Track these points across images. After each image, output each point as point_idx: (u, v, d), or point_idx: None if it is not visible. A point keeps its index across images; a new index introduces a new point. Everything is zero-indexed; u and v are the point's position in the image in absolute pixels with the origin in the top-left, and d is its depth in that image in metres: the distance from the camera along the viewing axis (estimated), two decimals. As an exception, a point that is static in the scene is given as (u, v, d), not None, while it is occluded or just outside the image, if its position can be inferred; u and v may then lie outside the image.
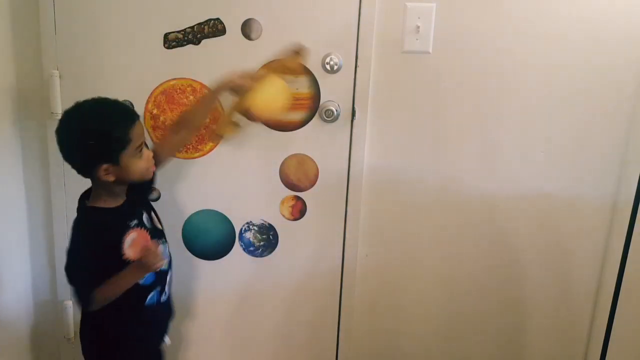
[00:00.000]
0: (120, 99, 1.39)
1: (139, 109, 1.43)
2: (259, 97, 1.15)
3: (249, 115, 1.17)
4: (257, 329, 1.62)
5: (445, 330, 1.62)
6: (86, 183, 1.55)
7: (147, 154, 1.14)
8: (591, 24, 1.36)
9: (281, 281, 1.57)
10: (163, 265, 1.13)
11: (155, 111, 1.43)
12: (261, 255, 1.55)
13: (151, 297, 1.19)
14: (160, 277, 1.20)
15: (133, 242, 1.11)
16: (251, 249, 1.54)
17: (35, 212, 1.50)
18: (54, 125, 1.42)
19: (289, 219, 1.51)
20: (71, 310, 1.55)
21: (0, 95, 1.37)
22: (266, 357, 1.65)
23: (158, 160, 1.21)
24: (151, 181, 1.23)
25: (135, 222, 1.15)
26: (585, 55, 1.38)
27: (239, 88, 1.17)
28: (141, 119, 1.41)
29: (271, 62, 1.36)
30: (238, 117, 1.18)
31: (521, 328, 1.61)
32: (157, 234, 1.22)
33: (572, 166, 1.46)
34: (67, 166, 1.45)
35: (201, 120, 1.31)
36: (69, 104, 1.41)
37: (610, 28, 1.36)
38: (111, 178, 1.10)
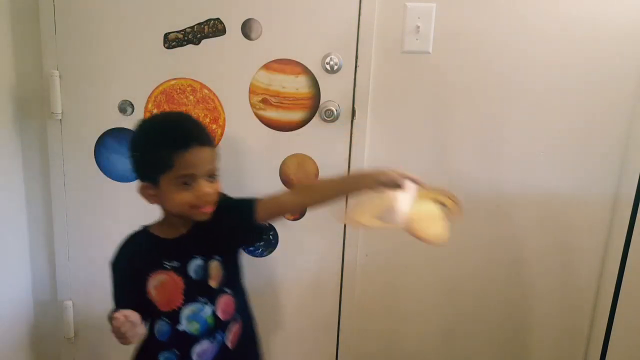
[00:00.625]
0: (121, 98, 1.43)
1: (139, 108, 1.43)
2: (415, 207, 0.99)
3: (391, 215, 0.97)
4: (257, 329, 1.62)
5: (445, 330, 1.61)
6: (86, 187, 1.55)
7: (202, 189, 0.98)
8: (591, 24, 1.37)
9: (281, 281, 1.57)
10: (128, 341, 0.92)
11: (155, 111, 1.43)
12: (261, 255, 1.55)
13: (167, 357, 1.04)
14: (179, 341, 1.03)
15: (161, 284, 1.00)
16: (251, 248, 1.54)
17: (35, 212, 1.50)
18: (54, 125, 1.44)
19: (289, 219, 1.51)
20: (71, 310, 1.55)
21: (0, 95, 1.37)
22: (266, 357, 1.64)
23: (265, 213, 1.06)
24: (246, 230, 1.07)
25: (174, 264, 1.01)
26: (586, 54, 1.39)
27: (399, 187, 0.99)
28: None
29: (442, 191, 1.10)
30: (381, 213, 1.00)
31: (522, 328, 1.61)
32: (199, 290, 1.03)
33: (572, 164, 1.46)
34: (67, 166, 1.47)
35: (331, 199, 1.07)
36: (69, 104, 1.43)
37: (610, 27, 1.36)
38: (152, 200, 1.01)
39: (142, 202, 1.51)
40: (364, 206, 1.00)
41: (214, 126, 1.44)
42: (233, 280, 1.10)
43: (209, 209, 1.01)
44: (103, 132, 1.45)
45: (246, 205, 1.06)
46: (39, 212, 1.50)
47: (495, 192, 1.49)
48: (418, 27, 1.37)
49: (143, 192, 1.01)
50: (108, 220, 1.49)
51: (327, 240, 1.53)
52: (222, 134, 1.44)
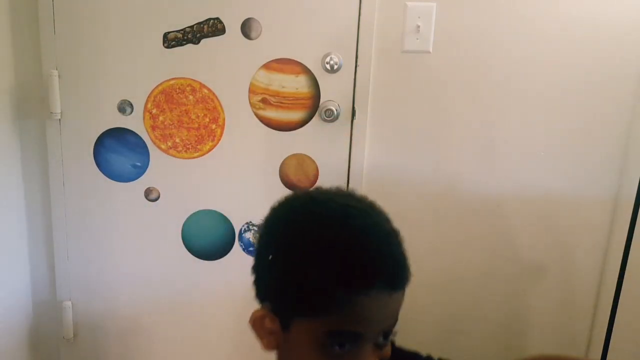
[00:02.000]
0: (120, 98, 1.42)
1: (139, 108, 1.43)
2: None
3: None
4: (256, 330, 1.61)
5: (445, 330, 1.61)
6: (84, 187, 1.55)
7: None
8: (591, 24, 1.36)
9: (281, 281, 1.57)
10: None
11: (154, 111, 1.43)
12: (261, 256, 1.54)
13: None
14: None
15: None
16: (251, 249, 1.54)
17: (34, 212, 1.50)
18: (53, 125, 1.44)
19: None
20: (70, 311, 1.54)
21: (0, 95, 1.36)
22: (266, 357, 1.64)
23: None
24: None
25: None
26: (586, 54, 1.38)
27: None
28: (141, 119, 1.44)
29: None
30: None
31: (521, 328, 1.60)
32: None
33: (573, 164, 1.46)
34: (66, 166, 1.47)
35: None
36: (68, 103, 1.43)
37: (610, 27, 1.36)
38: (267, 341, 0.62)
39: (142, 202, 1.52)
40: None
41: (214, 126, 1.44)
42: None
43: None
44: (102, 132, 1.44)
45: None
46: (37, 211, 1.50)
47: (495, 192, 1.49)
48: (418, 26, 1.37)
49: (257, 322, 0.62)
50: (107, 220, 1.49)
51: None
52: (221, 134, 1.44)
